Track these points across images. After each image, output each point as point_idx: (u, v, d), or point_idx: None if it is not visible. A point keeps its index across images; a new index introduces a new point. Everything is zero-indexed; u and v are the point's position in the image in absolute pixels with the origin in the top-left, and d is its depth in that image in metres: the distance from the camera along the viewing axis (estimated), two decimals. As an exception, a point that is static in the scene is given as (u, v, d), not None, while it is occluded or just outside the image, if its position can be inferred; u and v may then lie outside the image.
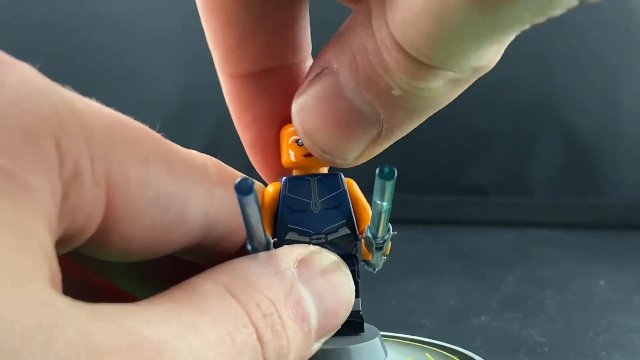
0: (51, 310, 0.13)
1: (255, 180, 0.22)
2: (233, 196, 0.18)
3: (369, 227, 0.23)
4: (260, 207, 0.19)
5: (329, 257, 0.21)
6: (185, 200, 0.18)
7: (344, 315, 0.20)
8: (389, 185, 0.19)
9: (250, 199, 0.18)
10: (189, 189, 0.19)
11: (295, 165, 0.24)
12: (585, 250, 0.64)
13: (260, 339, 0.17)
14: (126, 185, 0.17)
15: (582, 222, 0.74)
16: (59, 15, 0.86)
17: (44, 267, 0.14)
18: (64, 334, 0.13)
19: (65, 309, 0.13)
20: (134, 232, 0.17)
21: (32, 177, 0.14)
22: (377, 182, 0.19)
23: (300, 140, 0.23)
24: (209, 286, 0.17)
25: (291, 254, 0.20)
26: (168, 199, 0.18)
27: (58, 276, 0.15)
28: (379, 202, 0.20)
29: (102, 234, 0.17)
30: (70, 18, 0.86)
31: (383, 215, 0.21)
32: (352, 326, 0.24)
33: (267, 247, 0.22)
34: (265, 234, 0.20)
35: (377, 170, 0.19)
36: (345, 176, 0.24)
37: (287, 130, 0.23)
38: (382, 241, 0.22)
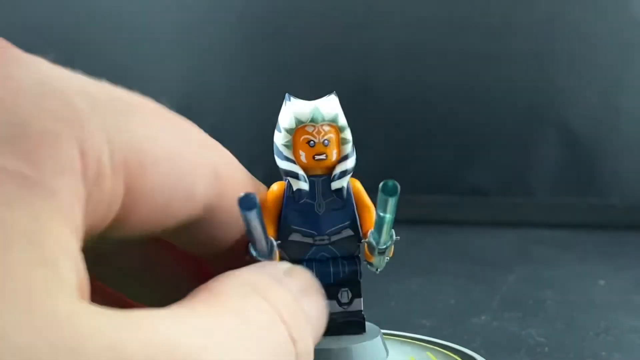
0: (79, 324, 0.12)
1: (261, 183, 0.22)
2: (236, 189, 0.18)
3: (372, 233, 0.23)
4: (262, 218, 0.19)
5: (306, 273, 0.21)
6: (194, 178, 0.18)
7: (323, 328, 0.20)
8: (392, 201, 0.19)
9: (253, 214, 0.18)
10: (198, 166, 0.18)
11: (304, 166, 0.24)
12: (585, 250, 0.64)
13: (291, 336, 0.16)
14: (143, 168, 0.16)
15: (582, 222, 0.74)
16: (59, 15, 0.86)
17: (71, 276, 0.13)
18: (92, 349, 0.12)
19: (93, 321, 0.13)
20: (149, 210, 0.17)
21: (57, 182, 0.14)
22: (380, 196, 0.19)
23: (311, 141, 0.23)
24: (236, 286, 0.17)
25: (281, 265, 0.20)
26: (179, 174, 0.18)
27: (86, 282, 0.14)
28: (381, 214, 0.20)
29: (120, 218, 0.17)
30: (70, 18, 0.86)
31: (386, 226, 0.21)
32: (354, 326, 0.24)
33: (270, 251, 0.22)
34: (268, 239, 0.20)
35: (381, 185, 0.19)
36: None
37: (301, 129, 0.24)
38: (384, 247, 0.23)
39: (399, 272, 0.53)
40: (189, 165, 0.18)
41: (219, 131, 0.91)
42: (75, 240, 0.14)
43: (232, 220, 0.20)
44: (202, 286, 0.17)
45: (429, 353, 0.26)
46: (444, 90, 0.80)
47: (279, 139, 0.24)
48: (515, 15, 0.78)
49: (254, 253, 0.22)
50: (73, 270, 0.13)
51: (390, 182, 0.19)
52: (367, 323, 0.25)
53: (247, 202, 0.18)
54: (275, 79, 0.80)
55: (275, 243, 0.22)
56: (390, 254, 0.24)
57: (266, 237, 0.20)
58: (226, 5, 0.83)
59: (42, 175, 0.14)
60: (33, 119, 0.14)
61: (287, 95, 0.24)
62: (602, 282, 0.51)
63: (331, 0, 0.82)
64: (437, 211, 0.78)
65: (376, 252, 0.23)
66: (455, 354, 0.27)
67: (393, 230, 0.22)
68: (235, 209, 0.18)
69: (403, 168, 0.78)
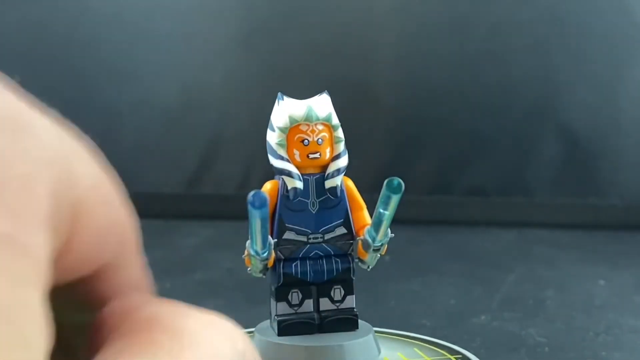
0: None
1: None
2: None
3: (368, 231, 0.23)
4: (268, 217, 0.19)
5: None
6: (113, 236, 0.16)
7: None
8: (395, 199, 0.19)
9: (263, 213, 0.18)
10: (119, 222, 0.16)
11: (298, 165, 0.24)
12: (585, 250, 0.64)
13: None
14: (82, 220, 0.14)
15: (582, 222, 0.74)
16: (59, 15, 0.86)
17: (42, 356, 0.12)
18: None
19: None
20: (74, 262, 0.15)
21: (32, 238, 0.12)
22: (384, 193, 0.19)
23: (305, 140, 0.24)
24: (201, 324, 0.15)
25: None
26: (108, 228, 0.15)
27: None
28: (382, 210, 0.20)
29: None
30: (70, 18, 0.86)
31: (385, 223, 0.21)
32: (347, 323, 0.24)
33: (269, 250, 0.22)
34: (268, 238, 0.21)
35: (386, 182, 0.19)
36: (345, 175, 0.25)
37: (295, 128, 0.24)
38: (380, 244, 0.23)
39: (399, 272, 0.53)
40: (115, 218, 0.16)
41: (219, 131, 0.91)
42: (44, 304, 0.13)
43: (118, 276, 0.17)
44: (143, 325, 0.14)
45: (416, 349, 0.26)
46: (443, 90, 0.80)
47: (273, 138, 0.24)
48: (515, 15, 0.78)
49: (252, 251, 0.22)
50: (43, 347, 0.12)
51: (396, 180, 0.19)
52: (360, 321, 0.25)
53: (259, 201, 0.18)
54: (275, 78, 0.80)
55: (272, 242, 0.23)
56: (384, 252, 0.24)
57: (267, 236, 0.20)
58: (226, 5, 0.83)
59: (19, 228, 0.12)
60: (8, 159, 0.12)
61: (279, 94, 0.25)
62: (602, 282, 0.51)
63: (331, 1, 0.82)
64: (437, 211, 0.78)
65: (371, 250, 0.23)
66: (441, 349, 0.27)
67: (389, 228, 0.22)
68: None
69: (403, 168, 0.78)
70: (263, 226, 0.20)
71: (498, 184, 0.79)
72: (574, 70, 0.77)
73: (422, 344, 0.27)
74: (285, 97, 0.24)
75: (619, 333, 0.40)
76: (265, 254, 0.23)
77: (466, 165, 0.79)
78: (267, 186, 0.24)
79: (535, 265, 0.58)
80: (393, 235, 0.23)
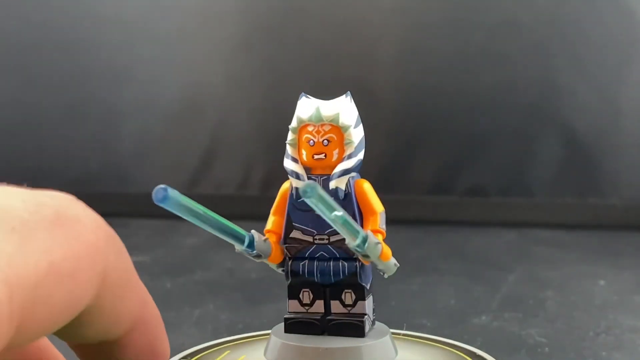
0: None
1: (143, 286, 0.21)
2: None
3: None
4: (192, 208, 0.19)
5: None
6: (83, 291, 0.17)
7: None
8: (312, 202, 0.19)
9: (171, 204, 0.18)
10: (86, 278, 0.17)
11: (305, 164, 0.24)
12: (585, 250, 0.64)
13: None
14: (35, 302, 0.16)
15: (582, 222, 0.74)
16: (60, 16, 0.86)
17: None
18: None
19: None
20: (35, 329, 0.16)
21: None
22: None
23: (311, 140, 0.23)
24: None
25: None
26: (69, 292, 0.17)
27: None
28: (324, 217, 0.20)
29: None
30: (71, 18, 0.86)
31: (338, 226, 0.20)
32: (354, 328, 0.24)
33: (250, 243, 0.22)
34: (230, 231, 0.21)
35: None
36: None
37: (303, 128, 0.24)
38: (356, 248, 0.22)
39: (399, 272, 0.53)
40: (79, 280, 0.17)
41: (219, 131, 0.91)
42: None
43: (111, 310, 0.19)
44: None
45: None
46: (444, 90, 0.80)
47: (287, 137, 0.24)
48: (515, 16, 0.78)
49: (236, 248, 0.22)
50: None
51: (302, 186, 0.18)
52: (377, 322, 0.25)
53: (156, 195, 0.18)
54: (275, 79, 0.80)
55: (254, 237, 0.22)
56: (383, 257, 0.23)
57: (222, 229, 0.20)
58: (226, 6, 0.83)
59: None
60: None
61: (302, 93, 0.24)
62: (602, 282, 0.51)
63: (331, 1, 0.82)
64: (437, 211, 0.78)
65: (359, 255, 0.22)
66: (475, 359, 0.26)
67: (360, 231, 0.21)
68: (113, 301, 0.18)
69: (403, 168, 0.78)
70: (198, 219, 0.19)
71: (498, 184, 0.79)
72: (574, 71, 0.77)
73: (458, 352, 0.26)
74: (304, 97, 0.24)
75: (619, 333, 0.40)
76: (253, 251, 0.22)
77: (466, 165, 0.79)
78: (284, 185, 0.24)
79: (535, 265, 0.58)
80: (365, 235, 0.22)
